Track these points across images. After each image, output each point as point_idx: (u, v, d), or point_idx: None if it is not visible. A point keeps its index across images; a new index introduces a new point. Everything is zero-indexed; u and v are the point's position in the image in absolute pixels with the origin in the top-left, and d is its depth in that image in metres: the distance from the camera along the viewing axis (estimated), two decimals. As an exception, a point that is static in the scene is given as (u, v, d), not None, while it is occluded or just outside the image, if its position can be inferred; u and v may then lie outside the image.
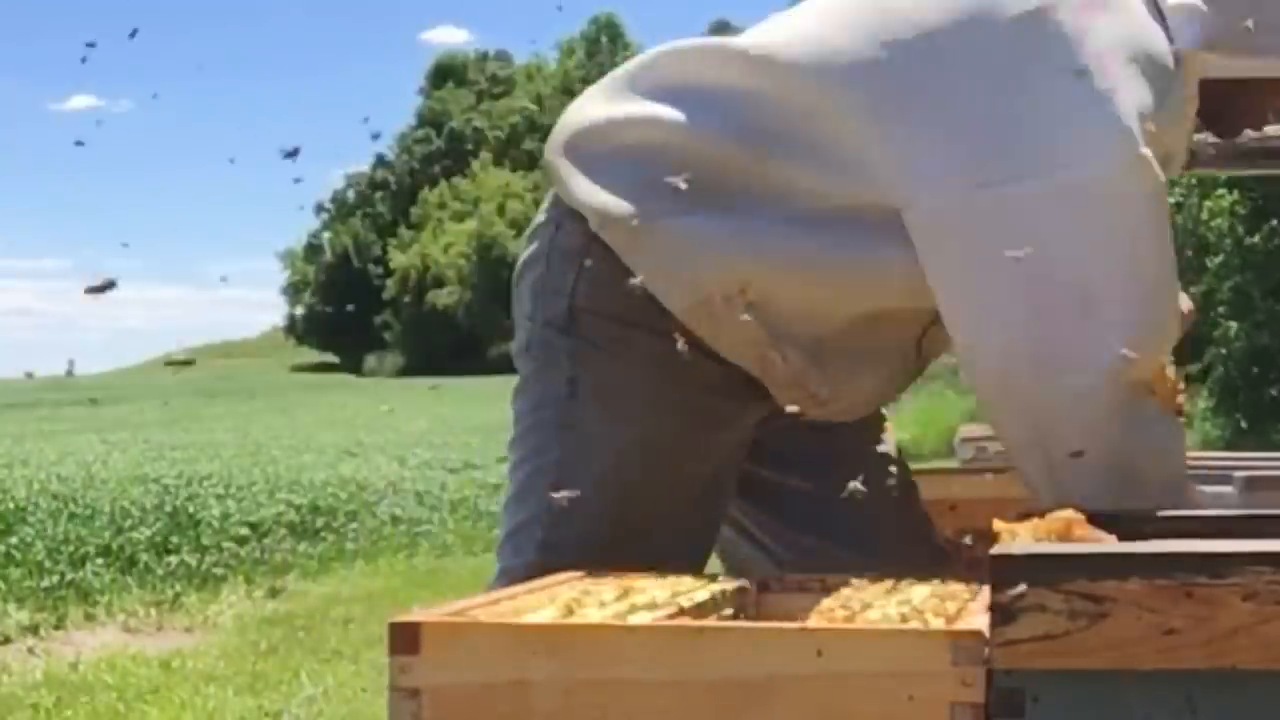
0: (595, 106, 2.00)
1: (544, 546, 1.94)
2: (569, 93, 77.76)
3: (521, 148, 74.47)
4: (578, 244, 1.95)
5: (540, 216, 2.05)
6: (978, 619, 1.29)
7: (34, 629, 7.04)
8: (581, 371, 1.95)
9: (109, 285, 2.56)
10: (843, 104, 1.85)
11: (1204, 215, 16.02)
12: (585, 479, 1.91)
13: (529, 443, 2.00)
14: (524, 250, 2.07)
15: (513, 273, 2.07)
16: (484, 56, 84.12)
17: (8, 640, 6.84)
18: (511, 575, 1.93)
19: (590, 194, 1.93)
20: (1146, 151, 1.76)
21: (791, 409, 1.94)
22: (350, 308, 70.94)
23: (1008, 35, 1.81)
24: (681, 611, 1.43)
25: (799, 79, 1.87)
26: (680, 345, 1.88)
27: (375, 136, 28.27)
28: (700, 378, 1.93)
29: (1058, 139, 1.77)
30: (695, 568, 1.95)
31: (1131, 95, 1.78)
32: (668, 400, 1.93)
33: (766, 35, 1.96)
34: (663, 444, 1.94)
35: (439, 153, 78.63)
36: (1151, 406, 1.80)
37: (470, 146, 77.68)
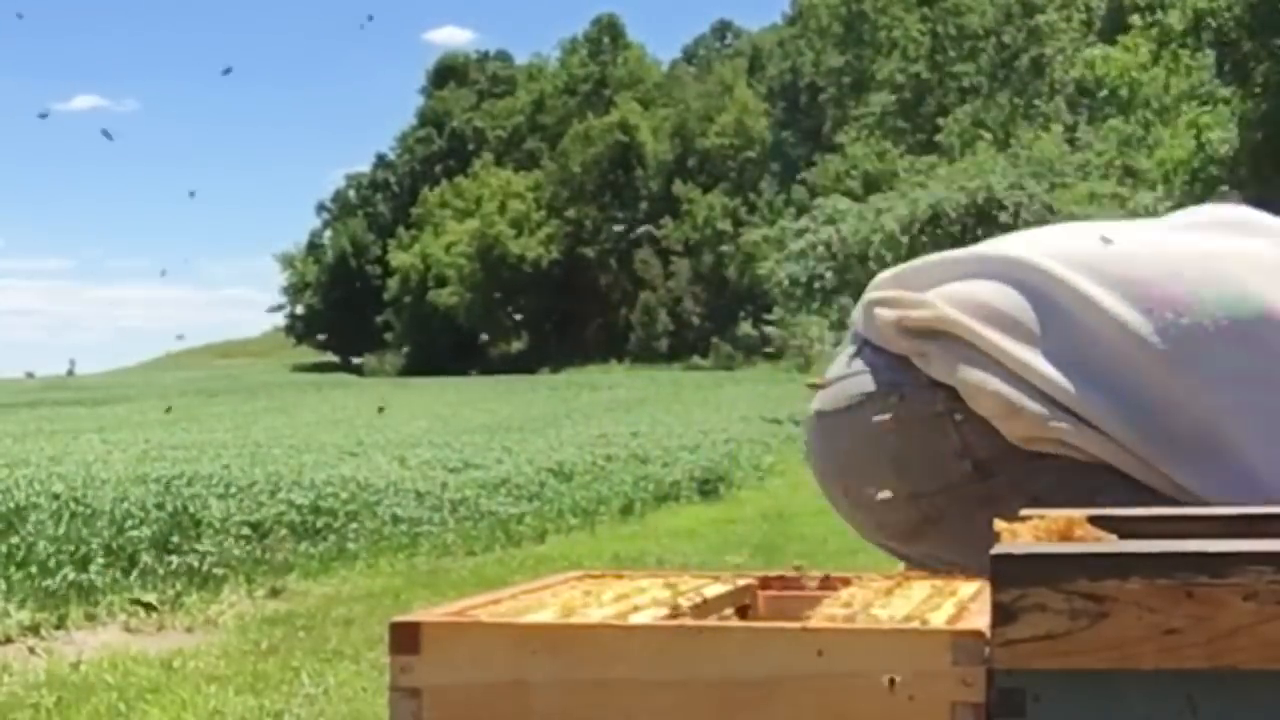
0: (989, 330, 1.99)
1: None
2: (570, 93, 77.82)
3: (523, 148, 74.50)
4: (941, 408, 1.98)
5: (878, 383, 2.05)
6: (978, 619, 1.28)
7: (35, 629, 7.03)
8: (1035, 488, 1.95)
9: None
10: (1235, 422, 1.90)
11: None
12: None
13: None
14: (838, 426, 2.07)
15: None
16: (485, 56, 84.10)
17: (9, 640, 6.84)
18: None
19: (985, 384, 1.95)
20: None
21: None
22: (350, 306, 70.98)
23: None
24: (681, 611, 1.43)
25: (1209, 395, 1.92)
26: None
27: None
28: None
29: None
30: None
31: None
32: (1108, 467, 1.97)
33: (1159, 304, 1.96)
34: (1141, 488, 1.95)
35: (440, 153, 78.60)
36: None
37: (471, 146, 77.67)
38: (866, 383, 2.06)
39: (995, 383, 1.95)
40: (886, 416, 2.02)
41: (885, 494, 2.05)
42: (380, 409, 25.30)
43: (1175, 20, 22.01)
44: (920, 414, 2.00)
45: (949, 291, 2.04)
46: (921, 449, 2.00)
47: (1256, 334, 1.93)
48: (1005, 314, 1.99)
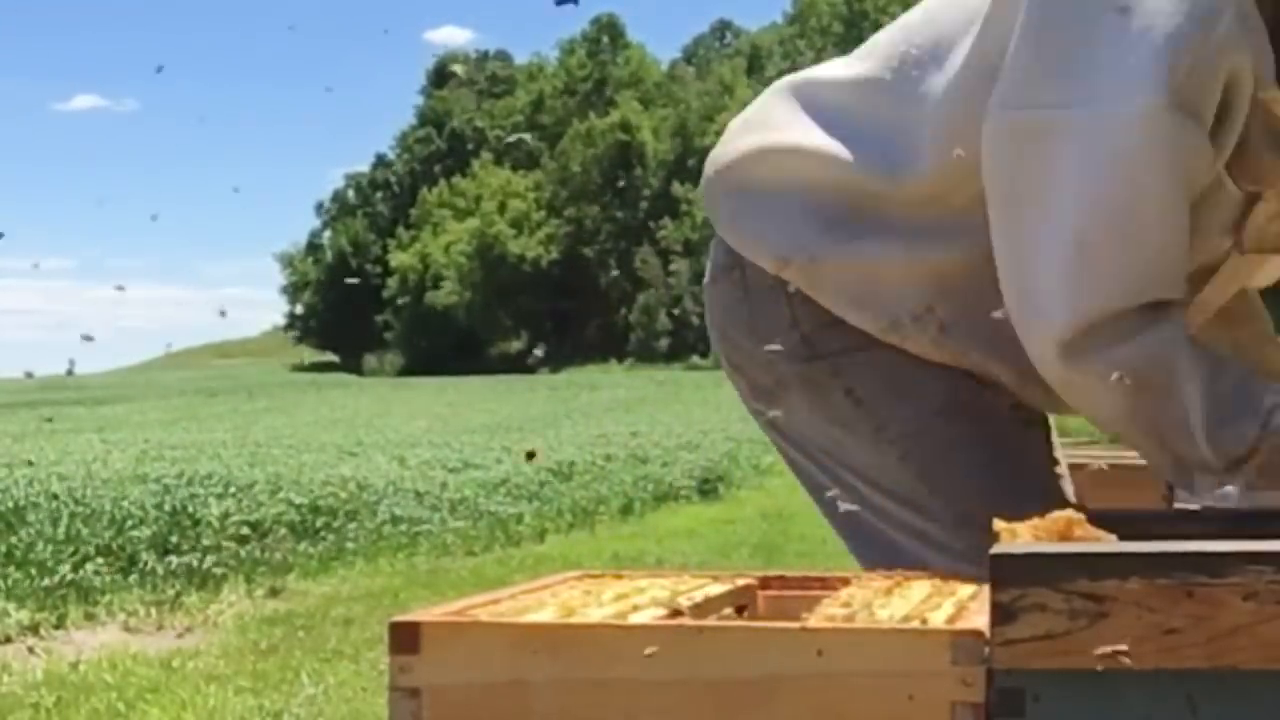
0: (747, 139, 2.03)
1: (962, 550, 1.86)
2: (570, 93, 77.97)
3: (522, 148, 74.49)
4: (773, 280, 1.99)
5: (718, 259, 2.09)
6: (978, 618, 1.29)
7: (34, 628, 7.03)
8: (852, 379, 1.97)
9: None
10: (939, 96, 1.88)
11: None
12: (947, 461, 1.92)
13: (855, 467, 2.01)
14: (711, 297, 2.11)
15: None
16: (485, 56, 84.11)
17: (8, 640, 6.84)
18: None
19: (758, 239, 1.99)
20: (1165, 99, 1.67)
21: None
22: (350, 306, 70.96)
23: None
24: (681, 611, 1.43)
25: (897, 94, 1.92)
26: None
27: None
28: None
29: (1087, 75, 1.72)
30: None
31: (1170, 28, 1.68)
32: (937, 367, 1.94)
33: (880, 58, 1.98)
34: (964, 393, 1.94)
35: (439, 152, 78.62)
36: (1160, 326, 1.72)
37: (471, 146, 77.69)
38: (716, 257, 2.10)
39: (762, 231, 1.98)
40: (735, 288, 2.06)
41: (739, 384, 2.10)
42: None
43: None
44: (761, 284, 2.01)
45: (738, 144, 2.07)
46: (765, 319, 2.02)
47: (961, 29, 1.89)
48: (768, 123, 2.02)
